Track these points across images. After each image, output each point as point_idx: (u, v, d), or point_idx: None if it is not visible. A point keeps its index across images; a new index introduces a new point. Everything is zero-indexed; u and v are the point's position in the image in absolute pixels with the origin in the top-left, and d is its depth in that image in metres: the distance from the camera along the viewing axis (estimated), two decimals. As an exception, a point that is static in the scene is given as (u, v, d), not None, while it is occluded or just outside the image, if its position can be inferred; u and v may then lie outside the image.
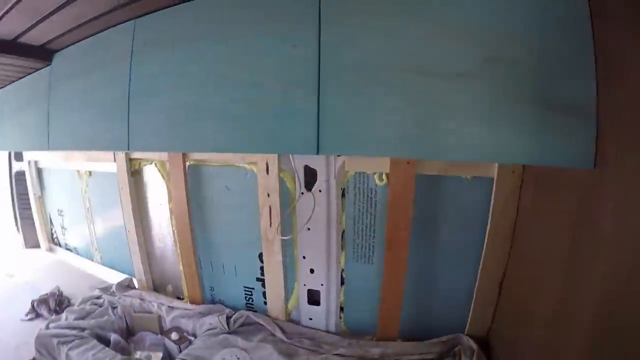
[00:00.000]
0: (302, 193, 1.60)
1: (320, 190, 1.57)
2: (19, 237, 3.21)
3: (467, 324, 1.49)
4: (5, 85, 2.06)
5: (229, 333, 1.70)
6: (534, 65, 0.82)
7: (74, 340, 1.65)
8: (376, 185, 1.52)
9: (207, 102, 1.12)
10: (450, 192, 1.45)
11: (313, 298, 1.73)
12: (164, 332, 1.86)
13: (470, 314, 1.48)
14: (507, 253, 1.36)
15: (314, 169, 1.57)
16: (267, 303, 1.84)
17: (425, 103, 0.88)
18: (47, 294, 2.19)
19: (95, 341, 1.67)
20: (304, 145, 0.98)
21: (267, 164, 1.57)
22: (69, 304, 2.17)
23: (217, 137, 1.11)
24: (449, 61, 0.85)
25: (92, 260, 2.71)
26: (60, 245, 3.03)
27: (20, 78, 1.91)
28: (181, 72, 1.18)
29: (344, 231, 1.61)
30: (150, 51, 1.26)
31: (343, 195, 1.57)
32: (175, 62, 1.19)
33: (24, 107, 1.90)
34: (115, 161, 2.13)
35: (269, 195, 1.60)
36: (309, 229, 1.63)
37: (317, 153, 0.96)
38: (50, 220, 3.03)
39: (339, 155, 1.49)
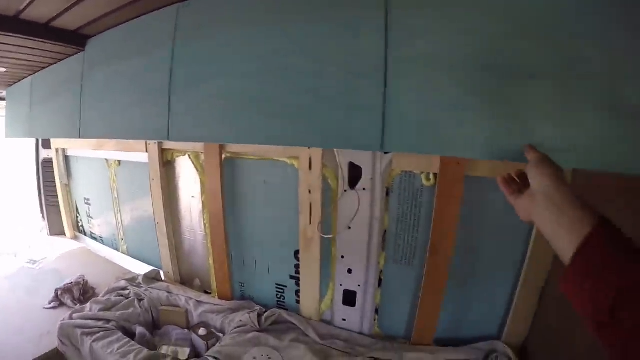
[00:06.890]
0: (345, 190, 1.55)
1: (364, 189, 1.51)
2: (44, 224, 3.24)
3: (505, 331, 1.46)
4: (37, 72, 2.01)
5: (259, 331, 1.68)
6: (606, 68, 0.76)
7: (99, 332, 1.64)
8: (422, 185, 1.46)
9: (259, 91, 1.07)
10: (497, 195, 1.39)
11: (348, 299, 1.70)
12: (191, 327, 1.85)
13: (508, 321, 1.45)
14: (550, 261, 1.31)
15: (358, 166, 1.51)
16: (300, 302, 1.81)
17: (498, 103, 0.84)
18: (71, 282, 2.14)
19: (120, 334, 1.65)
20: (367, 140, 0.93)
21: (310, 160, 1.53)
22: (94, 294, 2.15)
23: (269, 129, 1.06)
24: (521, 62, 0.81)
25: (118, 250, 2.72)
26: (85, 234, 3.05)
27: (52, 64, 1.86)
28: (231, 59, 1.12)
29: (385, 231, 1.56)
30: (197, 36, 1.20)
31: (387, 194, 1.51)
32: (224, 48, 1.13)
33: (55, 94, 1.86)
34: (147, 151, 2.12)
35: (310, 192, 1.56)
36: (349, 227, 1.58)
37: (382, 149, 0.92)
38: (77, 208, 3.05)
39: (386, 153, 1.44)
